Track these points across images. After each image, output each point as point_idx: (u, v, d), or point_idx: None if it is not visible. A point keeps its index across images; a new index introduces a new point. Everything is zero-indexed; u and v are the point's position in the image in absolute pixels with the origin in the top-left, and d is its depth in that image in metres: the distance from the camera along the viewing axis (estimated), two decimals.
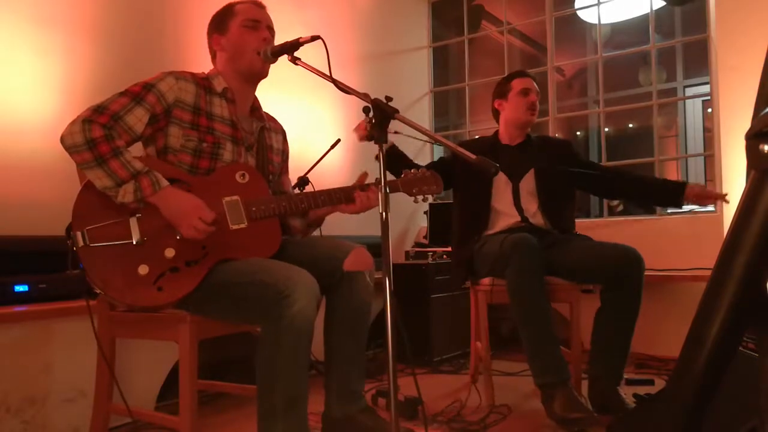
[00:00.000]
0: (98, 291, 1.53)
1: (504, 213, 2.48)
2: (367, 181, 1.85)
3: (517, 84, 2.58)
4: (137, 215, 1.56)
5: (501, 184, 2.51)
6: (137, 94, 1.61)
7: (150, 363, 2.18)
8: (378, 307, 1.79)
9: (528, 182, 2.51)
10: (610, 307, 2.22)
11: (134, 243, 1.54)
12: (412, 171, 1.88)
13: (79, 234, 1.51)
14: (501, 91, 2.64)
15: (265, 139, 1.88)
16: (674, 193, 2.39)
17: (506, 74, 2.71)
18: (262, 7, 1.83)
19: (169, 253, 1.56)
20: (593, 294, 2.31)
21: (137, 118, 1.60)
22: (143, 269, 1.54)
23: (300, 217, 1.91)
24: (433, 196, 1.89)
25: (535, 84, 2.60)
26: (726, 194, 2.32)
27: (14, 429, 1.84)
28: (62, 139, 1.52)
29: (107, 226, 1.54)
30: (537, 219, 2.48)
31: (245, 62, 1.75)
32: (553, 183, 2.51)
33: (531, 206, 2.48)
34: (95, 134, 1.51)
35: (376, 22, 4.16)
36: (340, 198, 1.79)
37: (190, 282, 1.56)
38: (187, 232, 1.55)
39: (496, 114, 2.67)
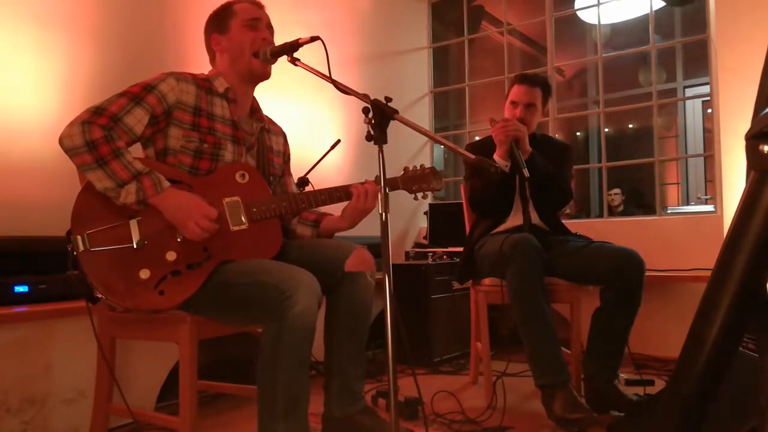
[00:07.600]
0: (99, 296, 1.53)
1: (514, 208, 2.49)
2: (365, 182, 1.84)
3: (511, 93, 2.56)
4: (137, 218, 1.55)
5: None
6: (137, 95, 1.60)
7: (150, 363, 2.18)
8: (378, 307, 1.79)
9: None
10: (609, 308, 2.23)
11: (134, 246, 1.53)
12: (412, 168, 1.87)
13: (79, 238, 1.50)
14: (506, 94, 2.64)
15: (265, 140, 1.88)
16: None
17: (507, 75, 2.69)
18: (261, 6, 1.83)
19: (171, 256, 1.56)
20: (593, 292, 2.31)
21: (137, 119, 1.59)
22: (144, 273, 1.52)
23: (311, 228, 1.91)
24: (433, 193, 1.89)
25: (532, 92, 2.48)
26: None
27: (14, 429, 1.83)
28: (61, 142, 1.50)
29: (107, 230, 1.53)
30: (538, 218, 2.48)
31: (245, 63, 1.75)
32: None
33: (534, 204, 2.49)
34: (95, 135, 1.49)
35: (375, 22, 4.16)
36: (341, 196, 1.78)
37: (192, 285, 1.55)
38: (192, 231, 1.55)
39: None
